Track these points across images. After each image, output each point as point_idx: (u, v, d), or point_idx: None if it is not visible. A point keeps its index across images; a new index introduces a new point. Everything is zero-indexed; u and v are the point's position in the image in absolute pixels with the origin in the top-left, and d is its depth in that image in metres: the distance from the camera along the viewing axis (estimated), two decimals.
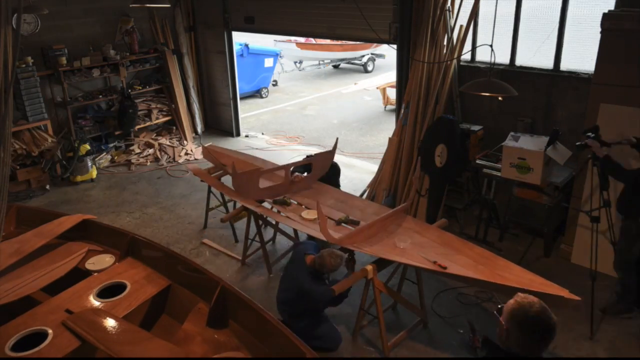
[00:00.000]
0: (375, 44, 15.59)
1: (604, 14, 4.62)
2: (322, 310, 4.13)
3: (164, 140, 8.90)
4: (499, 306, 2.04)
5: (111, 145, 8.55)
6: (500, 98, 4.79)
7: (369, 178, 7.13)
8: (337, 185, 5.79)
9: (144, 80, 8.99)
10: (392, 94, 10.77)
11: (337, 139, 5.70)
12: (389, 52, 15.95)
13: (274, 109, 12.35)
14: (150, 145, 8.74)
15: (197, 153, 8.71)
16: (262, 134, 10.04)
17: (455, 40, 6.01)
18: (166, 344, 3.09)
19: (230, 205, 6.23)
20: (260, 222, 5.26)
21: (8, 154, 2.94)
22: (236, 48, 9.63)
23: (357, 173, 7.85)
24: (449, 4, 5.92)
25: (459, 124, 5.81)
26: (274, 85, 14.57)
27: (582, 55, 5.33)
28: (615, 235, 4.36)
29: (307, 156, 5.89)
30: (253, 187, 5.17)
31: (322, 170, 5.56)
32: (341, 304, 4.17)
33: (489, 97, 5.40)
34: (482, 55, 6.07)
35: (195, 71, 9.56)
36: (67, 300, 3.50)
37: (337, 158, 5.96)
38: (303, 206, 5.09)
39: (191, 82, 9.43)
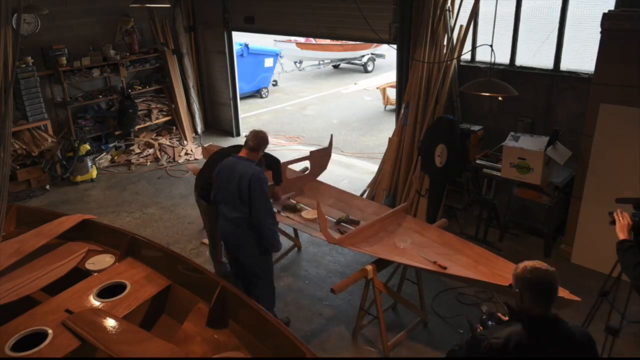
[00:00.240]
0: (375, 44, 15.58)
1: (604, 14, 4.61)
2: (267, 222, 3.90)
3: (164, 140, 8.89)
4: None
5: (111, 145, 8.54)
6: (500, 98, 4.78)
7: (369, 178, 7.13)
8: (279, 177, 5.12)
9: (144, 80, 8.99)
10: (392, 94, 10.76)
11: (331, 135, 5.67)
12: (389, 52, 15.94)
13: (274, 109, 12.35)
14: (150, 145, 8.74)
15: (197, 153, 8.71)
16: None
17: (455, 40, 6.01)
18: (166, 344, 3.08)
19: None
20: None
21: (8, 154, 2.93)
22: (236, 48, 9.62)
23: (357, 173, 7.85)
24: (449, 4, 5.92)
25: (459, 124, 5.80)
26: (274, 85, 14.56)
27: (582, 55, 5.33)
28: None
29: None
30: None
31: (320, 168, 5.55)
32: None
33: (489, 97, 5.40)
34: (482, 55, 6.07)
35: (195, 71, 9.55)
36: (67, 300, 3.49)
37: (337, 158, 5.95)
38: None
39: (191, 82, 9.43)
